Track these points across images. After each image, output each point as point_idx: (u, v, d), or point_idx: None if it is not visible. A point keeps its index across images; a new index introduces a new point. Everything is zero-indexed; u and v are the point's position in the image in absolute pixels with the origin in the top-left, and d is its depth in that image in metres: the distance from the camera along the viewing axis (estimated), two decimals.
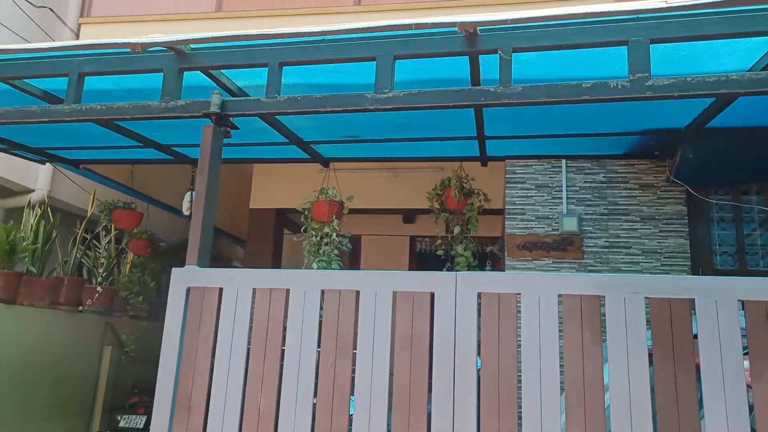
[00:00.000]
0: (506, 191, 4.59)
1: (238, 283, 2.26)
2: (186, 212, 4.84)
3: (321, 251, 4.54)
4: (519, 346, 2.03)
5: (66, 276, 5.43)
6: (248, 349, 2.19)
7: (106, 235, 6.17)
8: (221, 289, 2.27)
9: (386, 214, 7.65)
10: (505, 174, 4.62)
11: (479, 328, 2.08)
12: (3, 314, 4.54)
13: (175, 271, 2.31)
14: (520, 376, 2.02)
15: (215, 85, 2.96)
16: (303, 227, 4.81)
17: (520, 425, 1.96)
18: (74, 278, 5.41)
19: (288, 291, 2.23)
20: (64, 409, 5.16)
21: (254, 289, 2.25)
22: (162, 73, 2.67)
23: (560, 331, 1.99)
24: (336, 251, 4.57)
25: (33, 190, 6.15)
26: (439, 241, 5.15)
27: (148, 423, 5.24)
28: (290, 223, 7.88)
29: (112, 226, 6.06)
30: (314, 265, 4.46)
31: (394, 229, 8.14)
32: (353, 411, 2.06)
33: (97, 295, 5.26)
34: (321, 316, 2.19)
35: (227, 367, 2.16)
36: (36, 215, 5.15)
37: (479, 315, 2.08)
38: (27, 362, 4.73)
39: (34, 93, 3.29)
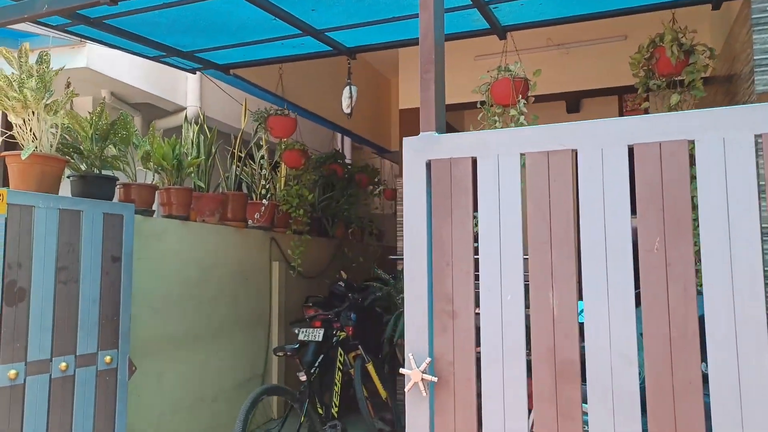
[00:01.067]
0: (753, 37, 3.50)
1: (498, 149, 1.64)
2: (347, 109, 4.33)
3: None
4: None
5: (230, 191, 5.28)
6: (523, 234, 1.60)
7: (258, 150, 5.96)
8: (474, 159, 1.67)
9: (548, 101, 6.69)
10: (751, 15, 3.52)
11: None
12: (181, 231, 4.45)
13: (409, 142, 1.74)
14: None
15: None
16: (479, 115, 4.11)
17: None
18: (238, 193, 5.25)
19: (575, 152, 1.57)
20: (245, 324, 5.16)
21: (522, 155, 1.63)
22: None
23: None
24: None
25: (185, 108, 6.03)
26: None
27: (326, 336, 5.09)
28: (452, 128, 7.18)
29: (264, 141, 5.81)
30: None
31: (555, 122, 7.15)
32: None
33: (263, 208, 5.06)
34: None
35: (497, 258, 1.59)
36: (194, 130, 4.96)
37: None
38: (207, 279, 4.68)
39: None
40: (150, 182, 4.34)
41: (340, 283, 5.63)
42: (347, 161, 7.28)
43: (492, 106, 3.92)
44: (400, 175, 6.33)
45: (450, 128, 7.36)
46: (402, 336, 5.48)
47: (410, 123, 6.11)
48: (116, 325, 3.49)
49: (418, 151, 1.72)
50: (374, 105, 8.02)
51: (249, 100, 5.72)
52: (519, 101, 3.77)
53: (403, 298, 5.15)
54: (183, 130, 4.98)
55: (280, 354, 4.43)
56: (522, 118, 3.76)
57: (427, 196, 1.68)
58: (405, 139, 1.75)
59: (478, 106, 4.08)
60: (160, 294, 4.18)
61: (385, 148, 8.28)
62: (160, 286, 4.18)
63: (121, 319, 3.53)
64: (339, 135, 8.82)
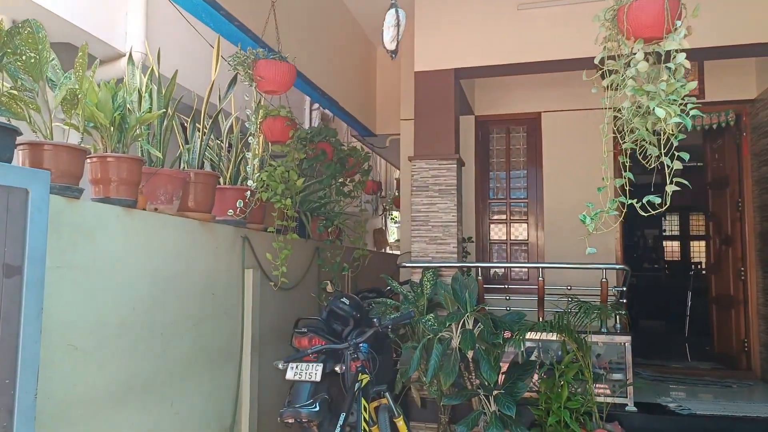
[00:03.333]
0: None
1: None
2: (390, 44, 2.88)
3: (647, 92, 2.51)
4: None
5: (193, 170, 3.66)
6: None
7: (227, 119, 4.37)
8: None
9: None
10: None
11: None
12: (125, 224, 2.82)
13: None
14: None
15: None
16: (599, 56, 2.78)
17: None
18: (207, 172, 3.64)
19: None
20: (210, 359, 3.56)
21: None
22: None
23: None
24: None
25: (123, 55, 4.32)
26: None
27: (328, 373, 3.62)
28: (463, 103, 5.74)
29: (233, 107, 4.23)
30: (660, 113, 2.45)
31: (586, 101, 5.87)
32: None
33: (249, 193, 3.47)
34: None
35: None
36: (146, 75, 3.33)
37: None
38: (162, 298, 3.08)
39: None
40: (77, 144, 2.68)
41: (344, 300, 4.13)
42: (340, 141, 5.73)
43: (630, 40, 2.60)
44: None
45: (464, 101, 6.00)
46: (435, 375, 4.07)
47: (430, 91, 4.71)
48: (10, 390, 1.88)
49: None
50: (358, 76, 6.57)
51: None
52: (676, 29, 2.48)
53: (429, 320, 3.41)
54: (126, 75, 3.33)
55: (290, 421, 2.86)
56: (683, 56, 2.48)
57: None
58: None
59: (597, 43, 2.76)
60: (90, 325, 2.56)
61: (369, 131, 6.83)
62: (92, 313, 2.57)
63: (20, 378, 1.92)
64: (308, 110, 7.28)
